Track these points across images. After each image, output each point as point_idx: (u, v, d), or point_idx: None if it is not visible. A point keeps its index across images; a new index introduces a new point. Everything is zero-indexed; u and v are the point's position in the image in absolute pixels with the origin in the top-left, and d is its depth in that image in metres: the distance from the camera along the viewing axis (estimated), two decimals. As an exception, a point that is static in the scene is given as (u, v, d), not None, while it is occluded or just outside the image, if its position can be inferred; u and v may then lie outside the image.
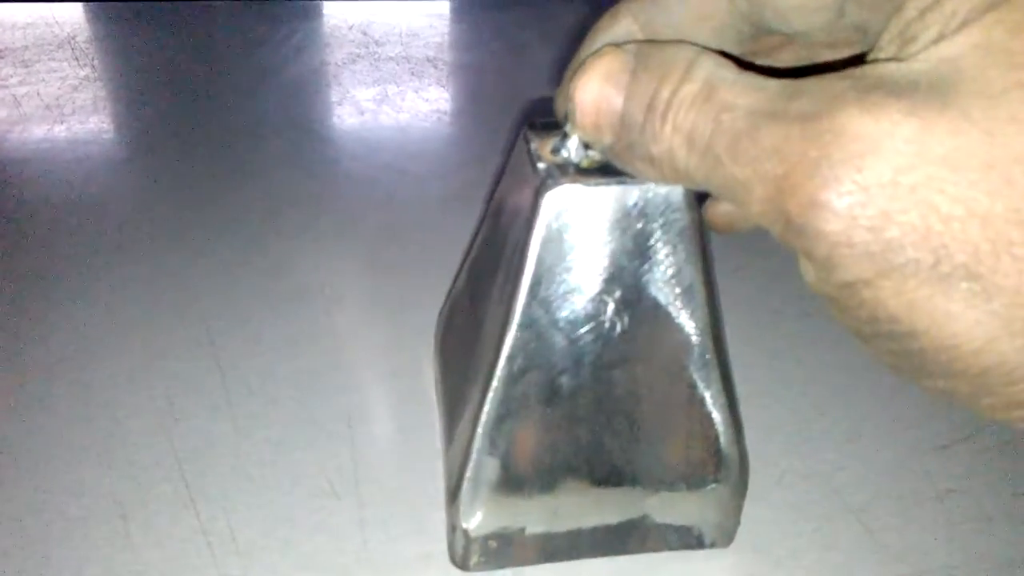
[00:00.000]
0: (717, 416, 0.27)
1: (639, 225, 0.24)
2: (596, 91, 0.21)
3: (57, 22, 0.80)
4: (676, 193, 0.24)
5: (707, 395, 0.27)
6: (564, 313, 0.25)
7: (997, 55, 0.16)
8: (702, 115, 0.18)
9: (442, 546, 0.31)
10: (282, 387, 0.38)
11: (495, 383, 0.26)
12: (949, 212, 0.16)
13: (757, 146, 0.17)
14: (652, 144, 0.20)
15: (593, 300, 0.25)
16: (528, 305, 0.25)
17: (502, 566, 0.30)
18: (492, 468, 0.28)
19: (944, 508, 0.32)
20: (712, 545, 0.30)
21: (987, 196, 0.15)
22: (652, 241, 0.25)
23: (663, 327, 0.26)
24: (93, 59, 0.73)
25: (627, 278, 0.25)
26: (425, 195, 0.54)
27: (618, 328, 0.26)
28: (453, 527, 0.29)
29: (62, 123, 0.62)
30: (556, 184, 0.24)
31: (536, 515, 0.29)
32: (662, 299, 0.25)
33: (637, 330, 0.26)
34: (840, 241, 0.16)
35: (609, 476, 0.28)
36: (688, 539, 0.30)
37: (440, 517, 0.32)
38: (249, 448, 0.35)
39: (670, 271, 0.25)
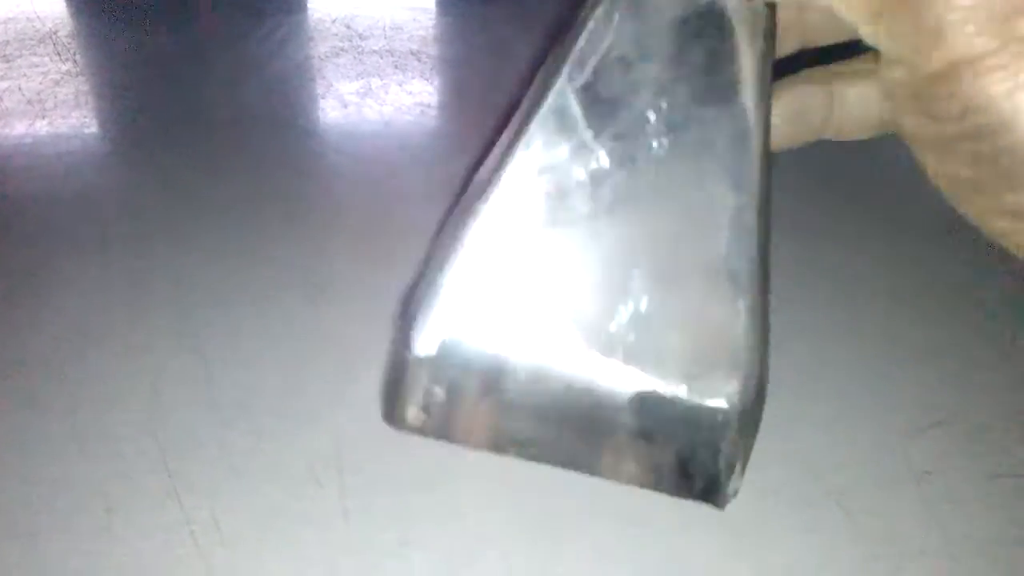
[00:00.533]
0: (741, 302, 0.22)
1: (708, 37, 0.21)
2: None
3: (39, 16, 0.80)
4: (761, 11, 0.21)
5: (737, 269, 0.22)
6: (601, 112, 0.22)
7: None
8: None
9: (425, 533, 0.31)
10: (266, 378, 0.38)
11: (503, 174, 0.22)
12: None
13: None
14: None
15: (637, 108, 0.22)
16: (563, 88, 0.22)
17: (441, 433, 0.23)
18: (464, 288, 0.22)
19: (921, 491, 0.33)
20: (703, 496, 0.23)
21: None
22: (715, 60, 0.21)
23: (704, 167, 0.22)
24: (75, 53, 0.73)
25: (679, 91, 0.21)
26: (409, 187, 0.55)
27: (652, 150, 0.22)
28: (397, 360, 0.23)
29: (44, 118, 0.61)
30: None
31: (499, 375, 0.23)
32: (711, 132, 0.22)
33: (674, 161, 0.22)
34: (955, 4, 0.15)
35: (599, 345, 0.23)
36: (673, 476, 0.23)
37: (423, 503, 0.32)
38: (233, 439, 0.35)
39: (727, 98, 0.21)
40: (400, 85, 0.69)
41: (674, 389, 0.22)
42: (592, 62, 0.22)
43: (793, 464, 0.34)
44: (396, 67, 0.72)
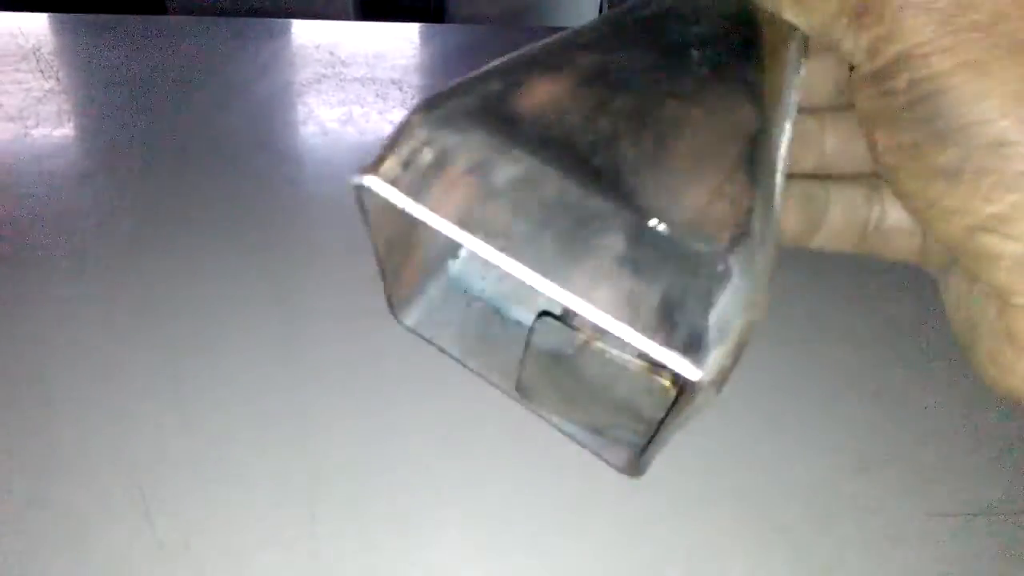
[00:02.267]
0: (757, 191, 0.23)
1: (750, 19, 0.23)
2: None
3: (23, 33, 0.80)
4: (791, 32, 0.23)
5: (757, 167, 0.23)
6: (648, 36, 0.24)
7: None
8: None
9: (389, 558, 0.32)
10: (239, 402, 0.39)
11: (560, 45, 0.23)
12: None
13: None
14: None
15: (680, 43, 0.24)
16: (626, 12, 0.24)
17: (412, 192, 0.20)
18: (487, 90, 0.22)
19: (863, 527, 0.34)
20: (684, 347, 0.19)
21: None
22: (751, 36, 0.23)
23: (739, 102, 0.24)
24: (58, 71, 0.73)
25: (720, 48, 0.24)
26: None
27: (698, 69, 0.24)
28: (402, 127, 0.21)
29: (26, 136, 0.62)
30: None
31: (495, 155, 0.21)
32: (747, 84, 0.24)
33: (715, 85, 0.24)
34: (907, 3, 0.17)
35: (603, 169, 0.22)
36: (652, 318, 0.20)
37: (388, 531, 0.33)
38: (206, 462, 0.36)
39: (759, 67, 0.24)
40: (380, 113, 0.70)
41: (675, 229, 0.21)
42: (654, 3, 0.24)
43: (741, 499, 0.35)
44: (377, 95, 0.73)
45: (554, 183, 0.21)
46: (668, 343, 0.20)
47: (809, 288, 0.47)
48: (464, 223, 0.20)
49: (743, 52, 0.24)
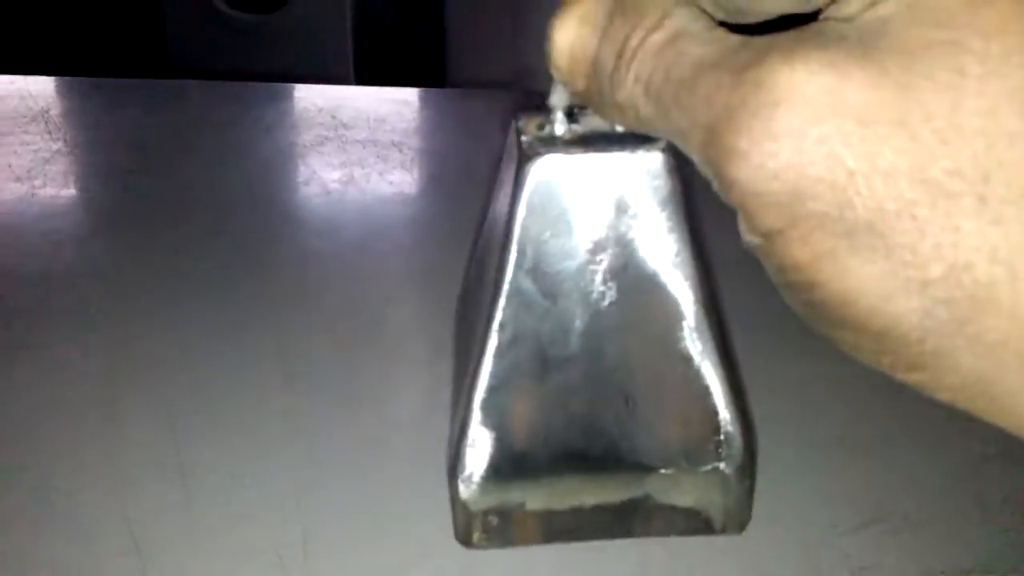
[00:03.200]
0: (715, 390, 0.27)
1: (620, 193, 0.25)
2: (573, 32, 0.20)
3: (31, 95, 0.82)
4: (656, 160, 0.24)
5: (702, 367, 0.26)
6: (551, 283, 0.26)
7: (923, 13, 0.16)
8: (659, 63, 0.19)
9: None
10: (237, 461, 0.39)
11: (487, 354, 0.27)
12: (855, 167, 0.16)
13: (694, 95, 0.18)
14: (618, 91, 0.20)
15: (580, 269, 0.26)
16: (515, 275, 0.26)
17: (505, 543, 0.30)
18: (487, 440, 0.28)
19: (859, 586, 0.34)
20: (723, 531, 0.29)
21: (893, 152, 0.16)
22: (634, 209, 0.25)
23: (652, 296, 0.26)
24: (66, 133, 0.75)
25: (612, 246, 0.25)
26: (387, 272, 0.57)
27: (607, 298, 0.26)
28: (454, 502, 0.29)
29: (33, 196, 0.63)
30: (536, 155, 0.25)
31: (534, 491, 0.29)
32: (649, 268, 0.26)
33: (626, 300, 0.26)
34: (751, 190, 0.17)
35: (606, 452, 0.28)
36: (695, 523, 0.29)
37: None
38: (203, 521, 0.36)
39: (654, 239, 0.25)
40: (381, 175, 0.72)
41: (682, 466, 0.28)
42: (529, 249, 0.26)
43: (733, 558, 0.35)
44: (378, 157, 0.75)
45: (582, 487, 0.28)
46: (713, 532, 0.29)
47: (800, 344, 0.48)
48: (553, 539, 0.30)
49: (631, 231, 0.26)
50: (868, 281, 0.17)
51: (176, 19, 1.99)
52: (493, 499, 0.29)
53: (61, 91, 0.87)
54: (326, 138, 0.78)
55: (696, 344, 0.26)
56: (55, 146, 0.72)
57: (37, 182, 0.65)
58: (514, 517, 0.29)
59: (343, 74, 1.99)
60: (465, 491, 0.28)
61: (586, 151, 0.25)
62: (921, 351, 0.17)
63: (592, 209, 0.25)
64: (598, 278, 0.26)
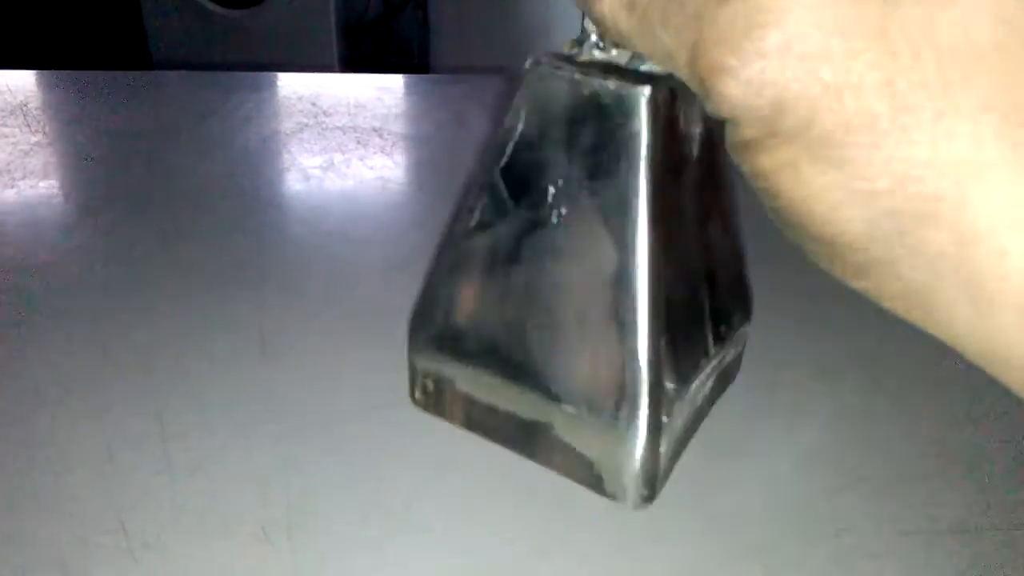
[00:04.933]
0: (630, 345, 0.26)
1: (591, 122, 0.25)
2: None
3: (10, 89, 0.82)
4: (634, 97, 0.24)
5: (625, 318, 0.26)
6: (518, 187, 0.27)
7: None
8: None
9: (371, 589, 0.33)
10: (220, 440, 0.40)
11: (454, 233, 0.28)
12: (830, 81, 0.17)
13: (682, 13, 0.18)
14: (596, 3, 0.20)
15: (541, 183, 0.26)
16: (493, 170, 0.27)
17: (439, 412, 0.32)
18: (438, 313, 0.30)
19: (836, 546, 0.35)
20: (613, 497, 0.29)
21: (868, 66, 0.16)
22: (600, 139, 0.25)
23: (593, 231, 0.26)
24: (44, 125, 0.75)
25: (572, 171, 0.26)
26: (367, 258, 0.57)
27: (555, 218, 0.26)
28: (408, 361, 0.32)
29: (12, 187, 0.63)
30: (536, 65, 0.26)
31: (463, 373, 0.30)
32: (598, 202, 0.25)
33: (572, 226, 0.26)
34: (738, 104, 0.18)
35: (524, 365, 0.28)
36: (587, 475, 0.29)
37: (371, 564, 0.33)
38: (187, 500, 0.36)
39: (608, 176, 0.25)
40: (362, 160, 0.72)
41: (583, 410, 0.28)
42: (508, 146, 0.27)
43: (714, 521, 0.36)
44: (359, 143, 0.75)
45: (502, 391, 0.30)
46: (604, 493, 0.30)
47: (772, 314, 0.49)
48: (471, 427, 0.32)
49: (594, 163, 0.26)
50: (821, 191, 0.18)
51: (157, 16, 1.97)
52: (431, 365, 0.31)
53: (39, 84, 0.86)
54: (306, 125, 0.78)
55: (624, 294, 0.26)
56: (34, 139, 0.72)
57: (16, 174, 0.65)
58: (445, 390, 0.32)
59: (328, 69, 1.98)
60: (412, 350, 0.32)
61: (578, 74, 0.25)
62: (866, 259, 0.18)
63: (564, 130, 0.26)
64: (550, 197, 0.27)
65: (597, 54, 0.26)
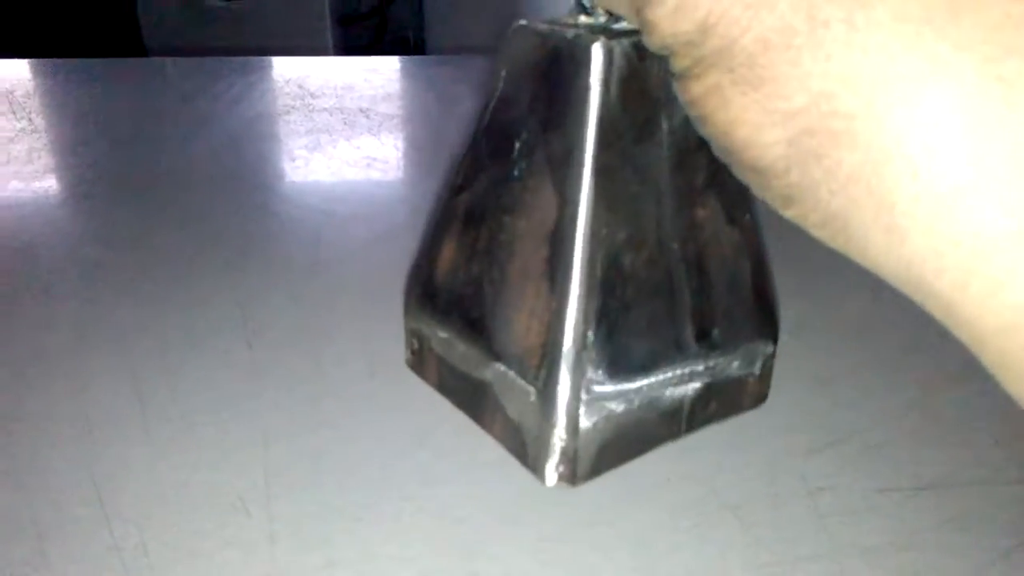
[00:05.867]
0: (558, 302, 0.25)
1: (553, 75, 0.25)
2: None
3: (-4, 78, 0.82)
4: (585, 48, 0.24)
5: (557, 277, 0.25)
6: (494, 144, 0.27)
7: None
8: None
9: (350, 556, 0.33)
10: (200, 414, 0.40)
11: (445, 193, 0.29)
12: (750, 1, 0.17)
13: None
14: None
15: (508, 139, 0.27)
16: (478, 129, 0.28)
17: (421, 374, 0.32)
18: (423, 271, 0.30)
19: (814, 504, 0.35)
20: (533, 469, 0.28)
21: None
22: (557, 92, 0.25)
23: (542, 187, 0.26)
24: (30, 112, 0.75)
25: (530, 124, 0.26)
26: (350, 235, 0.57)
27: (517, 173, 0.26)
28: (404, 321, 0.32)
29: (-4, 173, 0.63)
30: (517, 23, 0.26)
31: (437, 333, 0.30)
32: (549, 156, 0.25)
33: (527, 179, 0.26)
34: (668, 31, 0.18)
35: (474, 323, 0.28)
36: (515, 441, 0.28)
37: (348, 530, 0.33)
38: (164, 471, 0.36)
39: (560, 127, 0.25)
40: (348, 140, 0.72)
41: (513, 369, 0.27)
42: (490, 105, 0.27)
43: (691, 481, 0.36)
44: (345, 123, 0.75)
45: (458, 351, 0.30)
46: (526, 463, 0.28)
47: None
48: (442, 390, 0.31)
49: (550, 115, 0.26)
50: (742, 112, 0.18)
51: (150, 7, 1.97)
52: (415, 322, 0.31)
53: (25, 72, 0.86)
54: (292, 107, 0.77)
55: (559, 252, 0.25)
56: (19, 125, 0.72)
57: (0, 159, 0.65)
58: (424, 349, 0.31)
59: (321, 51, 1.98)
60: (405, 310, 0.31)
61: (545, 27, 0.25)
62: (788, 183, 0.18)
63: (531, 85, 0.26)
64: (515, 152, 0.27)
65: (583, 19, 0.26)
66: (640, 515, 0.34)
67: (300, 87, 0.83)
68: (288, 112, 0.76)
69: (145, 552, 0.33)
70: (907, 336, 0.45)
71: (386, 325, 0.46)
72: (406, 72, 0.92)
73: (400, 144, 0.74)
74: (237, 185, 0.63)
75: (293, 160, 0.68)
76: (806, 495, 0.35)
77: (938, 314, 0.17)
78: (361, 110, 0.78)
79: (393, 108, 0.80)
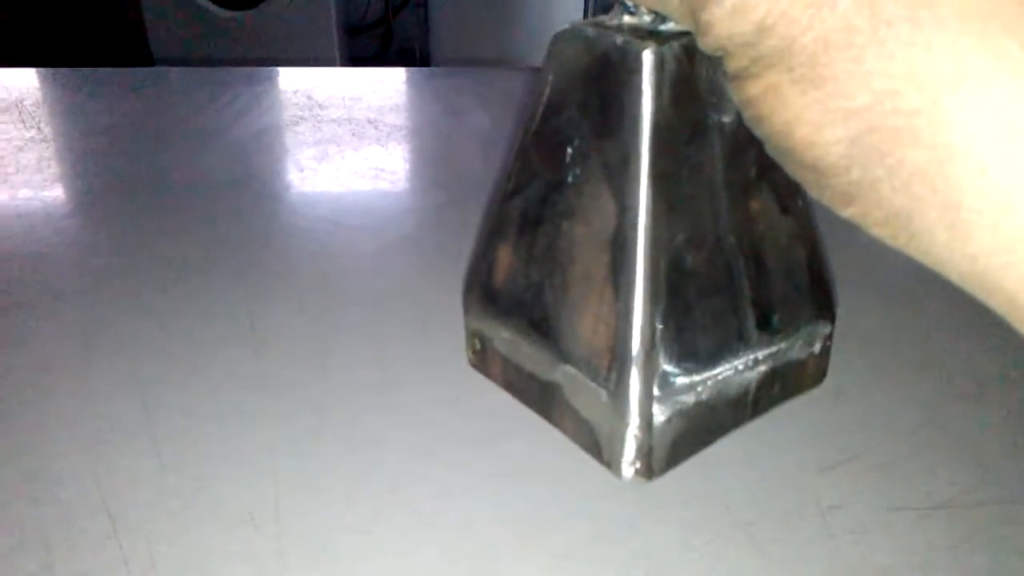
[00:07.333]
0: (623, 306, 0.26)
1: (604, 80, 0.25)
2: None
3: (5, 86, 0.82)
4: (636, 52, 0.24)
5: (621, 282, 0.26)
6: (546, 149, 0.27)
7: None
8: None
9: (356, 571, 0.32)
10: (207, 425, 0.39)
11: (498, 197, 0.29)
12: (811, 0, 0.17)
13: None
14: None
15: (561, 143, 0.27)
16: (525, 136, 0.27)
17: (484, 372, 0.32)
18: (483, 270, 0.30)
19: (826, 522, 0.35)
20: (609, 465, 0.29)
21: None
22: (609, 98, 0.25)
23: (600, 193, 0.26)
24: (40, 122, 0.75)
25: (584, 130, 0.26)
26: (358, 245, 0.57)
27: (571, 178, 0.27)
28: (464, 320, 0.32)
29: (4, 181, 0.63)
30: (562, 28, 0.26)
31: (500, 332, 0.30)
32: (605, 162, 0.25)
33: (583, 186, 0.26)
34: (724, 32, 0.18)
35: (541, 325, 0.29)
36: (588, 439, 0.29)
37: (356, 544, 0.33)
38: (173, 484, 0.36)
39: (615, 133, 0.25)
40: (356, 151, 0.72)
41: (583, 371, 0.28)
42: (538, 111, 0.27)
43: (704, 498, 0.35)
44: (353, 134, 0.75)
45: (525, 351, 0.30)
46: (600, 460, 0.28)
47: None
48: (508, 388, 0.31)
49: (602, 121, 0.26)
50: (802, 111, 0.18)
51: (158, 18, 1.98)
52: (477, 324, 0.31)
53: (35, 81, 0.87)
54: (301, 118, 0.77)
55: (621, 256, 0.26)
56: (28, 134, 0.72)
57: (10, 168, 0.65)
58: (488, 349, 0.31)
59: (329, 63, 1.99)
60: (464, 309, 0.31)
61: (592, 30, 0.25)
62: (848, 181, 0.18)
63: (581, 90, 0.26)
64: (568, 158, 0.27)
65: (627, 19, 0.26)
66: (653, 532, 0.34)
67: (308, 98, 0.83)
68: (296, 123, 0.77)
69: (153, 565, 0.32)
70: (918, 352, 0.45)
71: (394, 334, 0.46)
72: (413, 83, 0.92)
73: (408, 155, 0.74)
74: (245, 195, 0.63)
75: (301, 170, 0.68)
76: (818, 513, 0.35)
77: (1002, 310, 0.17)
78: (369, 121, 0.78)
79: (401, 119, 0.80)
